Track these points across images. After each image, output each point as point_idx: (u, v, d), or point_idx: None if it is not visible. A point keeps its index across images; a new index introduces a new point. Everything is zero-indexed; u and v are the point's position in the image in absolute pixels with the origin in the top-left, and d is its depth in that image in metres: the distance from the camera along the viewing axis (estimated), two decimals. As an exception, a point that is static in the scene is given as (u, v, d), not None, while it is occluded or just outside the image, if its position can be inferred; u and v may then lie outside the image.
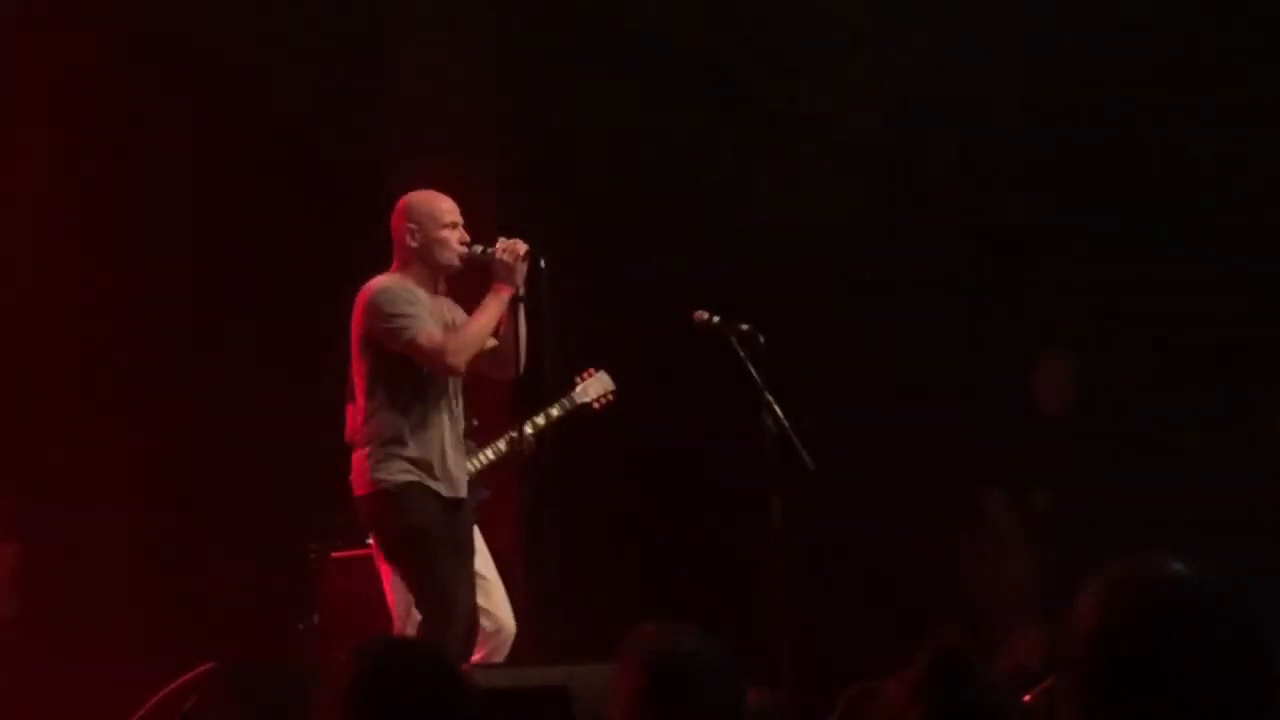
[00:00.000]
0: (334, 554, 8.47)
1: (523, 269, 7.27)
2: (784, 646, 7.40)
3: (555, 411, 7.97)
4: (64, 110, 9.44)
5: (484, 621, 7.60)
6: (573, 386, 8.12)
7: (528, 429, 7.79)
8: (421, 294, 7.25)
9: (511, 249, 7.26)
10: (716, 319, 7.67)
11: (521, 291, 7.29)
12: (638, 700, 3.65)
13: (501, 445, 7.78)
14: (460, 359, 7.20)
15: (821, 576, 7.62)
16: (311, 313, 8.17)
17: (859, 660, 7.70)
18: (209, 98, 9.55)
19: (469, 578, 7.30)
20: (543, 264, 7.32)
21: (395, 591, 7.55)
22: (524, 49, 10.26)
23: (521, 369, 7.44)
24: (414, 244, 7.27)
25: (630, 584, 9.69)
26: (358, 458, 7.24)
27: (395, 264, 7.34)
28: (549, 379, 7.57)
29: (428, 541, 7.14)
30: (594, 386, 8.12)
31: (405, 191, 7.50)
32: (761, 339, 7.60)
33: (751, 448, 7.59)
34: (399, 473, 7.15)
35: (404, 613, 7.73)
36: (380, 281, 7.27)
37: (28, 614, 9.41)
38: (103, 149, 9.52)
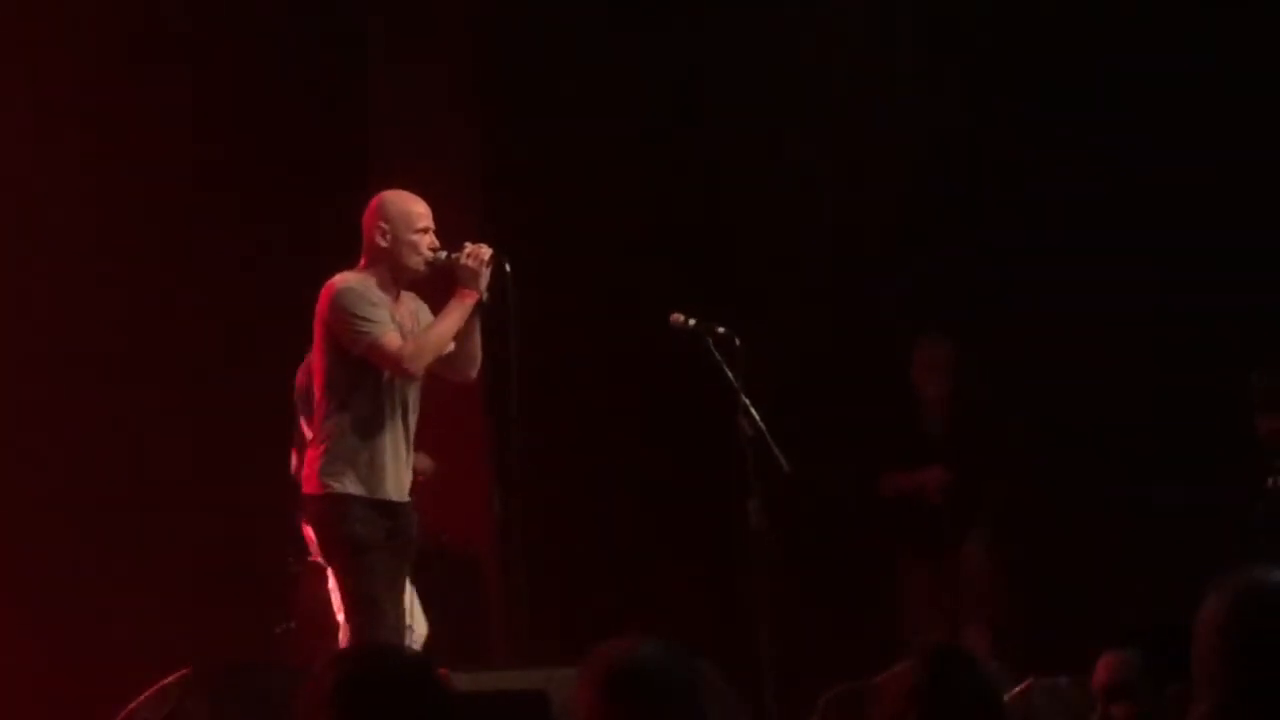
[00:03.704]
0: (310, 558, 8.46)
1: (487, 274, 7.23)
2: (764, 648, 7.41)
3: None
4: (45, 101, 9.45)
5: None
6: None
7: None
8: (385, 296, 7.22)
9: (476, 254, 7.21)
10: (693, 321, 7.66)
11: (485, 297, 7.27)
12: (596, 710, 3.68)
13: None
14: (419, 364, 7.16)
15: (801, 578, 7.63)
16: (291, 311, 8.14)
17: (839, 662, 7.78)
18: (189, 93, 9.56)
19: (402, 585, 7.27)
20: (508, 268, 7.29)
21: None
22: (505, 50, 10.28)
23: (476, 373, 7.44)
24: (383, 244, 7.20)
25: (610, 588, 9.71)
26: (310, 456, 7.21)
27: (362, 261, 7.29)
28: (516, 383, 7.55)
29: (368, 554, 7.11)
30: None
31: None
32: (738, 341, 7.60)
33: (730, 451, 7.60)
34: (347, 482, 7.11)
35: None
36: (345, 279, 7.21)
37: (3, 619, 9.38)
38: (83, 146, 9.51)
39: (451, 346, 7.29)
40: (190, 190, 9.61)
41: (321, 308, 7.21)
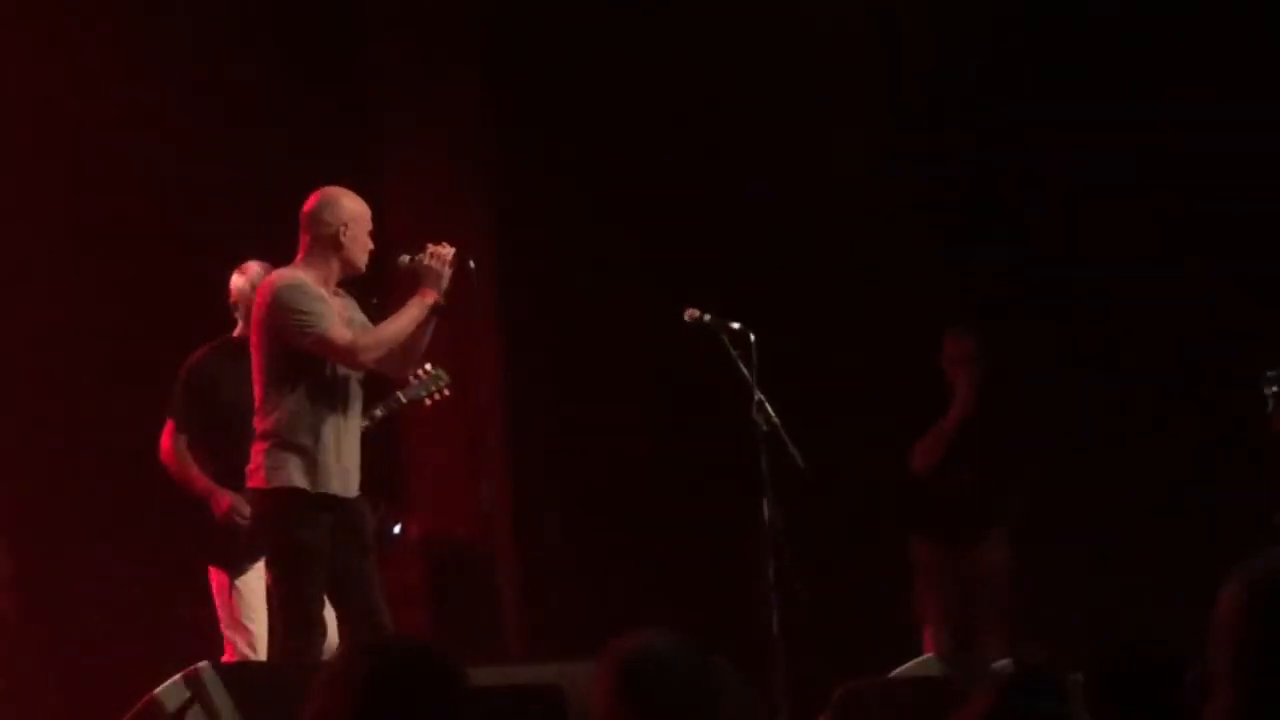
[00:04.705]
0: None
1: (449, 274, 7.29)
2: (778, 643, 7.41)
3: (379, 413, 8.01)
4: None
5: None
6: (405, 383, 8.12)
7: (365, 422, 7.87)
8: (325, 293, 7.27)
9: (439, 254, 7.29)
10: (708, 317, 7.68)
11: (443, 301, 7.29)
12: (612, 702, 3.73)
13: None
14: (370, 356, 7.24)
15: (814, 574, 7.62)
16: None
17: (853, 657, 7.77)
18: (190, 85, 9.58)
19: (367, 574, 7.32)
20: (472, 265, 7.37)
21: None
22: (514, 37, 10.29)
23: (412, 372, 7.53)
24: (344, 240, 7.27)
25: (624, 582, 9.71)
26: (256, 450, 7.26)
27: (300, 256, 7.35)
28: (489, 379, 7.60)
29: (309, 559, 7.17)
30: (428, 383, 8.11)
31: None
32: (753, 337, 7.61)
33: (744, 446, 7.61)
34: (291, 476, 7.17)
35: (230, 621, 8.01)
36: (285, 276, 7.28)
37: (19, 613, 9.41)
38: (80, 139, 9.54)
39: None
40: (192, 185, 9.63)
41: (261, 306, 7.26)
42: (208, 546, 8.15)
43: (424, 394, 8.07)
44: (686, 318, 7.69)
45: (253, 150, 9.56)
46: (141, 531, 9.43)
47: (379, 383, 7.86)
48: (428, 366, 8.00)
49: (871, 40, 10.08)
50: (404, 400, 8.06)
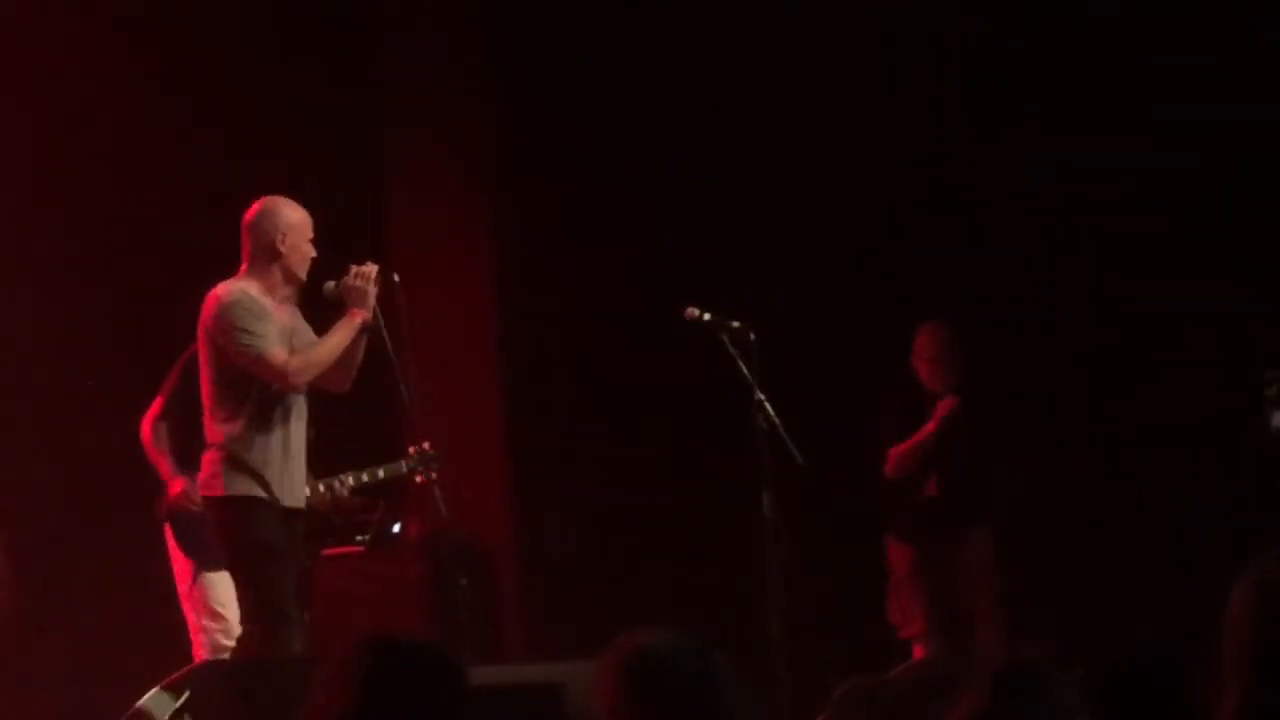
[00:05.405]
0: (324, 552, 8.47)
1: (374, 291, 7.34)
2: (778, 642, 7.41)
3: (382, 474, 8.01)
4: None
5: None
6: (406, 454, 8.10)
7: (350, 481, 7.85)
8: (269, 304, 7.31)
9: (363, 273, 7.35)
10: (708, 316, 7.68)
11: (370, 318, 7.34)
12: (615, 699, 3.76)
13: (320, 488, 7.80)
14: (303, 378, 7.30)
15: (815, 572, 7.63)
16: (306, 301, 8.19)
17: (853, 655, 7.77)
18: (202, 81, 9.59)
19: (304, 586, 7.45)
20: (396, 278, 7.43)
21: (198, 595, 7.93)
22: (518, 41, 10.29)
23: (349, 385, 7.53)
24: (281, 249, 7.32)
25: (624, 581, 9.72)
26: (208, 459, 7.31)
27: (244, 267, 7.38)
28: (414, 394, 7.61)
29: (271, 557, 7.23)
30: (422, 460, 8.03)
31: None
32: (753, 336, 7.61)
33: (744, 444, 7.60)
34: (248, 484, 7.22)
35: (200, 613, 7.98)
36: (230, 291, 7.32)
37: (19, 610, 9.40)
38: (90, 139, 9.54)
39: None
40: (194, 187, 9.63)
41: (206, 319, 7.30)
42: (174, 536, 8.14)
43: (418, 469, 8.04)
44: (686, 317, 7.69)
45: (255, 152, 9.55)
46: (141, 529, 9.42)
47: (370, 449, 7.85)
48: (426, 445, 7.97)
49: (871, 40, 10.07)
50: (404, 470, 8.05)
